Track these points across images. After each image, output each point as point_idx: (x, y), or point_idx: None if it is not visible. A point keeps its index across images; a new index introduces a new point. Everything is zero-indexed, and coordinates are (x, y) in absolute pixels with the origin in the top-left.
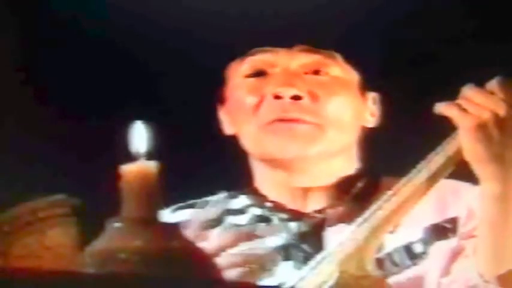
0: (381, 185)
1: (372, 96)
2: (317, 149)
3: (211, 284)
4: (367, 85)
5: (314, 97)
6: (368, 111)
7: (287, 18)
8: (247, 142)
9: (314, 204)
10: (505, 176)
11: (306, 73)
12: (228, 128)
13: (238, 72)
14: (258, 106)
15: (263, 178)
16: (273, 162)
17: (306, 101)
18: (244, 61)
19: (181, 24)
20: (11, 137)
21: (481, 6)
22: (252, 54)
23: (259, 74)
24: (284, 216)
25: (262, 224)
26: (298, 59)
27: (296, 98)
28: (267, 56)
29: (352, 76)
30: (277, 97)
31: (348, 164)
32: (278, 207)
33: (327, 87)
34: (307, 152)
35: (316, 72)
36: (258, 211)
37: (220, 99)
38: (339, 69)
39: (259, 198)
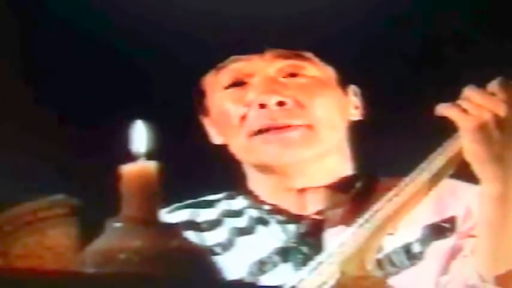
0: (379, 185)
1: (352, 89)
2: (313, 151)
3: (211, 284)
4: (345, 80)
5: (297, 101)
6: (351, 104)
7: (255, 22)
8: (238, 152)
9: (312, 205)
10: (505, 177)
11: (284, 77)
12: (215, 139)
13: (217, 83)
14: (244, 116)
15: (258, 182)
16: (267, 169)
17: (290, 105)
18: (220, 72)
19: (182, 26)
20: (11, 137)
21: (482, 7)
22: (227, 65)
23: (238, 84)
24: (282, 218)
25: (261, 226)
26: (274, 65)
27: (280, 104)
28: (242, 64)
29: (329, 73)
30: (262, 106)
31: (342, 162)
32: (276, 209)
33: (307, 88)
34: (304, 156)
35: (294, 74)
36: (255, 213)
37: (203, 111)
38: (315, 69)
39: (257, 200)
